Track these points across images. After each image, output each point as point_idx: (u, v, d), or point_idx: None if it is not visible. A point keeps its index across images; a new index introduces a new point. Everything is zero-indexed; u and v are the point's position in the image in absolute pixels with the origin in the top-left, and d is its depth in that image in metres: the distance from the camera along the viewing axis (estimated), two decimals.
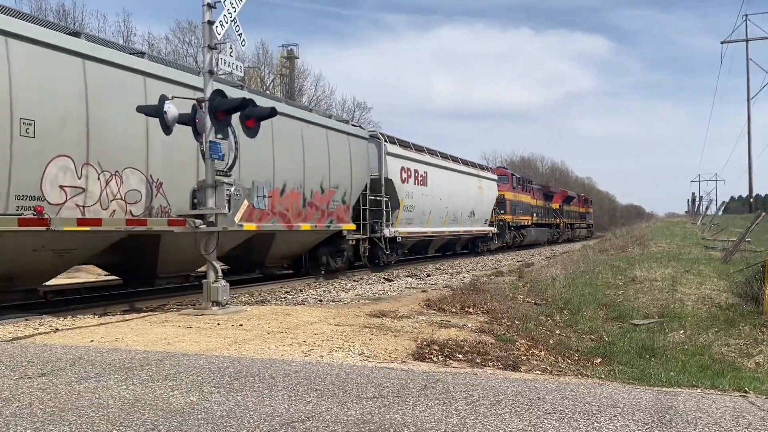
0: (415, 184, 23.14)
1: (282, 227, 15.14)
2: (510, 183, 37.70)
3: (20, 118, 9.08)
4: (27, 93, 9.11)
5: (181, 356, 6.05)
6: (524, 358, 7.36)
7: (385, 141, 21.23)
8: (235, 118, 10.45)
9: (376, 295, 13.26)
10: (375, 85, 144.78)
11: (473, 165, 31.30)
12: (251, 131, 10.31)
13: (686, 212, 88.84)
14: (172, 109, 9.42)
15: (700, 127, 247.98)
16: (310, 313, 9.34)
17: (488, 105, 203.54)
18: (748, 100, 60.77)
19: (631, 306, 11.83)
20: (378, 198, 20.39)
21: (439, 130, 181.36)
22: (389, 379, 5.17)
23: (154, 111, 9.57)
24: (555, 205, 51.16)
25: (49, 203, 9.55)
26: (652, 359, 8.43)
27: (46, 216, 9.32)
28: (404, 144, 23.10)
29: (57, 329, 7.95)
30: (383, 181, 20.66)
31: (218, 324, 8.24)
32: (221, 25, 9.78)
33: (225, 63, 10.05)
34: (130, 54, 11.30)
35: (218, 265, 9.92)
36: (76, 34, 10.46)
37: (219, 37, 9.85)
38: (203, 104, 9.73)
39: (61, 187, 9.76)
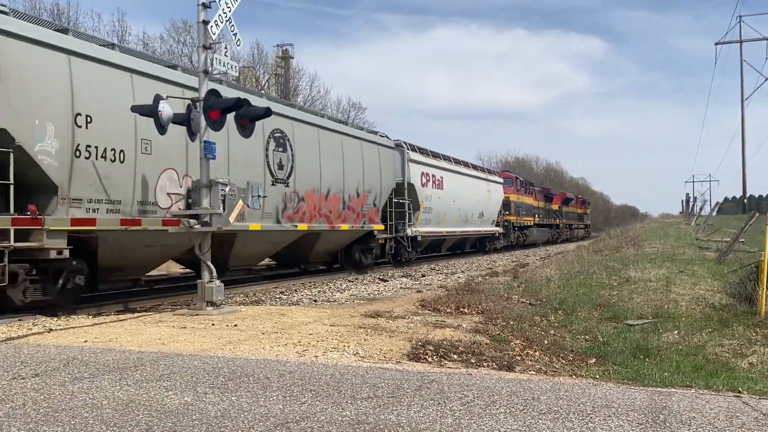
0: (432, 187, 25.25)
1: (326, 227, 17.41)
2: (514, 186, 39.84)
3: (141, 138, 11.03)
4: (146, 119, 10.23)
5: (176, 356, 6.04)
6: (519, 358, 7.37)
7: (408, 149, 23.32)
8: (295, 134, 13.00)
9: (371, 295, 13.26)
10: (371, 85, 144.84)
11: (482, 169, 33.83)
12: (246, 131, 10.31)
13: (680, 213, 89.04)
14: (166, 109, 9.42)
15: (694, 127, 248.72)
16: (305, 314, 9.33)
17: (484, 105, 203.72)
18: (742, 101, 60.97)
19: (626, 306, 11.85)
20: (401, 201, 22.44)
21: (435, 130, 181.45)
22: (384, 379, 5.17)
23: (149, 111, 9.56)
24: (555, 207, 53.13)
25: (161, 207, 11.57)
26: (647, 359, 8.45)
27: (40, 216, 9.35)
28: (423, 151, 25.32)
29: (51, 329, 7.93)
30: (406, 186, 22.78)
31: (213, 324, 8.23)
32: (216, 24, 9.76)
33: (220, 63, 10.05)
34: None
35: (212, 266, 9.90)
36: (173, 66, 12.73)
37: (214, 37, 9.84)
38: (198, 104, 9.72)
39: (168, 194, 11.75)
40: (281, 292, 14.21)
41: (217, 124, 9.88)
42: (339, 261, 20.13)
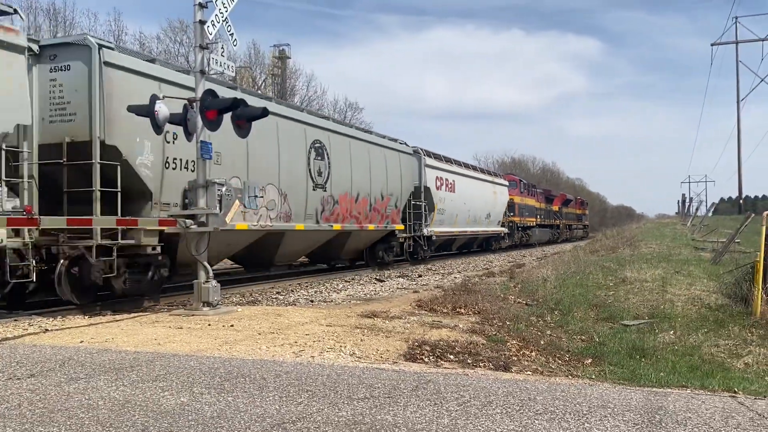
0: (445, 190, 27.21)
1: (356, 227, 19.28)
2: (518, 188, 41.70)
3: (216, 151, 12.06)
4: (218, 133, 11.28)
5: (172, 357, 6.03)
6: (515, 358, 7.38)
7: (424, 155, 25.24)
8: (331, 145, 14.99)
9: (368, 295, 13.26)
10: (369, 85, 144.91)
11: (488, 172, 36.04)
12: (242, 131, 10.31)
13: (676, 213, 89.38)
14: (162, 109, 9.41)
15: (690, 128, 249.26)
16: (302, 314, 9.33)
17: (481, 105, 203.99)
18: (738, 102, 61.12)
19: (622, 307, 11.87)
20: (418, 203, 24.27)
21: (432, 131, 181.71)
22: (380, 379, 5.17)
23: (145, 111, 9.55)
24: (555, 208, 54.83)
25: (231, 209, 12.71)
26: (643, 360, 8.46)
27: (36, 216, 9.36)
28: (437, 157, 27.30)
29: (46, 330, 7.91)
30: (423, 189, 24.63)
31: (209, 324, 8.22)
32: (213, 24, 9.76)
33: (216, 63, 10.04)
34: (259, 97, 15.50)
35: (209, 266, 9.89)
36: (233, 87, 14.39)
37: (210, 37, 9.83)
38: (194, 104, 9.71)
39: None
40: (278, 293, 14.20)
41: (213, 124, 9.86)
42: (364, 258, 21.98)
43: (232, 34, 10.21)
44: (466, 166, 31.71)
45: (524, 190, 43.69)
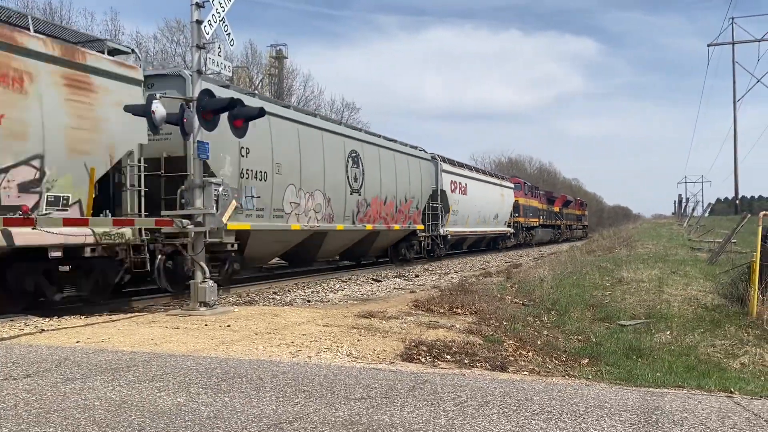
0: (459, 193, 29.58)
1: (384, 227, 21.63)
2: (523, 190, 44.00)
3: (276, 162, 15.33)
4: (280, 147, 15.35)
5: (169, 357, 6.02)
6: (512, 358, 7.38)
7: (440, 161, 27.65)
8: (364, 154, 18.64)
9: (365, 295, 13.26)
10: (367, 85, 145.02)
11: (495, 176, 38.75)
12: (239, 131, 10.30)
13: (673, 213, 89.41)
14: (159, 109, 9.39)
15: (687, 129, 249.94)
16: (298, 314, 9.32)
17: (479, 106, 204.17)
18: (734, 103, 61.20)
19: (618, 307, 11.88)
20: (435, 205, 26.61)
21: (431, 131, 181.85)
22: (377, 380, 5.17)
23: (142, 111, 9.54)
24: (556, 209, 57.03)
25: (285, 213, 15.80)
26: (639, 360, 8.48)
27: (32, 216, 9.32)
28: (452, 162, 29.91)
29: (43, 330, 7.90)
30: (439, 192, 27.00)
31: (206, 325, 8.21)
32: (210, 24, 9.74)
33: (213, 63, 10.03)
34: (307, 114, 18.12)
35: (205, 266, 9.88)
36: (286, 106, 17.32)
37: (207, 37, 9.81)
38: (191, 104, 9.70)
39: (290, 202, 15.97)
40: (274, 293, 14.19)
41: (210, 124, 9.86)
42: (388, 255, 24.37)
43: (229, 34, 10.20)
44: (477, 170, 34.60)
45: (528, 192, 45.90)
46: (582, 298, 12.84)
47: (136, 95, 11.15)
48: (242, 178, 14.01)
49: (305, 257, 18.76)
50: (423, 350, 6.80)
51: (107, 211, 10.78)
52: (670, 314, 10.99)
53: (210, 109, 9.69)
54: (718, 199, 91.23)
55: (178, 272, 12.11)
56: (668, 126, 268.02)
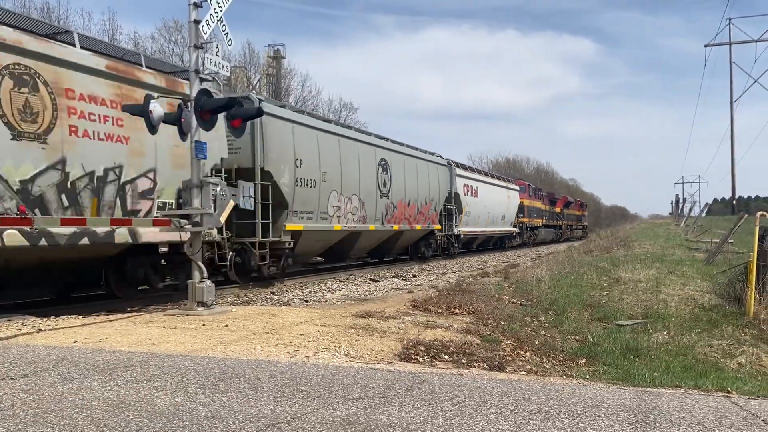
0: (470, 195, 32.03)
1: (408, 227, 24.18)
2: (527, 192, 46.40)
3: (322, 171, 17.68)
4: (325, 158, 17.84)
5: (166, 357, 6.02)
6: (510, 358, 7.39)
7: (455, 166, 30.12)
8: (392, 161, 21.94)
9: (362, 295, 13.25)
10: (364, 85, 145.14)
11: (502, 178, 41.10)
12: (237, 131, 10.29)
13: (670, 213, 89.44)
14: (157, 109, 9.40)
15: (684, 129, 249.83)
16: (296, 314, 9.32)
17: (476, 106, 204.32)
18: (731, 103, 61.24)
19: (616, 307, 11.89)
20: (450, 207, 28.91)
21: (428, 131, 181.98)
22: (375, 379, 5.17)
23: (140, 111, 9.54)
24: (558, 209, 59.32)
25: (329, 215, 18.09)
26: (637, 360, 8.48)
27: (30, 216, 9.33)
28: (464, 167, 32.96)
29: (40, 329, 7.88)
30: (453, 195, 29.29)
31: (203, 325, 8.20)
32: (207, 24, 9.74)
33: (211, 62, 10.02)
34: (345, 127, 20.75)
35: (203, 266, 9.87)
36: (328, 121, 20.01)
37: (205, 37, 9.81)
38: (189, 104, 9.69)
39: (333, 206, 18.30)
40: (272, 293, 14.18)
41: (208, 124, 9.85)
42: (409, 253, 26.87)
43: (227, 34, 10.19)
44: (486, 173, 37.61)
45: (532, 194, 48.26)
46: (579, 298, 12.84)
47: (218, 119, 12.27)
48: (297, 185, 16.45)
49: (341, 254, 21.00)
50: (421, 350, 6.80)
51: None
52: (667, 314, 11.00)
53: (208, 109, 9.68)
54: (715, 199, 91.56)
55: (245, 266, 14.89)
56: (665, 126, 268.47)
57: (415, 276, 19.01)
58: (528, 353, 7.97)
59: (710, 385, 6.35)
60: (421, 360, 6.45)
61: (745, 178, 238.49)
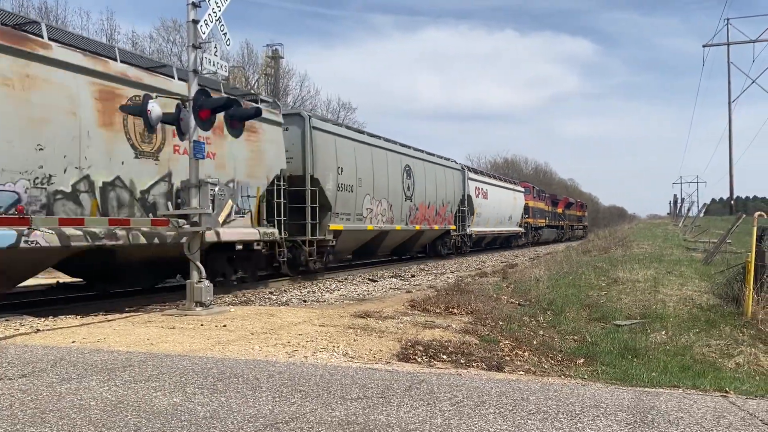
0: (481, 198, 34.20)
1: (427, 227, 26.30)
2: (531, 194, 48.31)
3: (358, 177, 19.80)
4: (360, 165, 20.04)
5: (164, 357, 6.01)
6: (508, 358, 7.39)
7: (468, 171, 32.70)
8: (415, 167, 24.38)
9: (361, 295, 13.25)
10: (362, 85, 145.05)
11: (509, 181, 43.18)
12: (236, 131, 10.29)
13: (668, 214, 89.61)
14: (155, 108, 9.39)
15: (682, 129, 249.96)
16: (295, 314, 9.31)
17: (474, 106, 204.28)
18: (729, 103, 61.23)
19: (614, 307, 11.90)
20: (463, 208, 31.05)
21: (427, 131, 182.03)
22: (374, 379, 5.17)
23: (138, 111, 9.53)
24: (559, 210, 61.29)
25: (363, 216, 20.15)
26: (635, 360, 8.50)
27: (27, 216, 9.33)
28: (475, 171, 35.96)
29: (38, 330, 7.87)
30: (466, 197, 31.42)
31: (202, 325, 8.20)
32: (206, 24, 9.73)
33: (209, 62, 10.02)
34: (375, 137, 22.43)
35: (201, 266, 9.86)
36: (361, 132, 21.98)
37: (203, 36, 9.80)
38: (187, 104, 9.69)
39: (366, 208, 20.46)
40: (270, 293, 14.17)
41: (206, 124, 9.84)
42: (426, 251, 29.03)
43: (225, 34, 10.18)
44: (494, 176, 39.98)
45: (536, 195, 50.39)
46: (578, 298, 12.86)
47: (279, 133, 15.80)
48: (338, 190, 18.60)
49: (370, 252, 23.34)
50: (419, 350, 6.80)
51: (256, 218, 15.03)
52: (665, 314, 11.02)
53: (206, 109, 9.67)
54: (713, 200, 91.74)
55: (296, 262, 17.03)
56: (664, 126, 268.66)
57: (413, 276, 19.01)
58: (526, 353, 7.97)
59: (708, 385, 6.36)
60: (419, 360, 6.45)
61: (743, 179, 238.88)
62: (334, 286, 15.67)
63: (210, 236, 12.39)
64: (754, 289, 10.55)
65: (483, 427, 3.93)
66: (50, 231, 9.57)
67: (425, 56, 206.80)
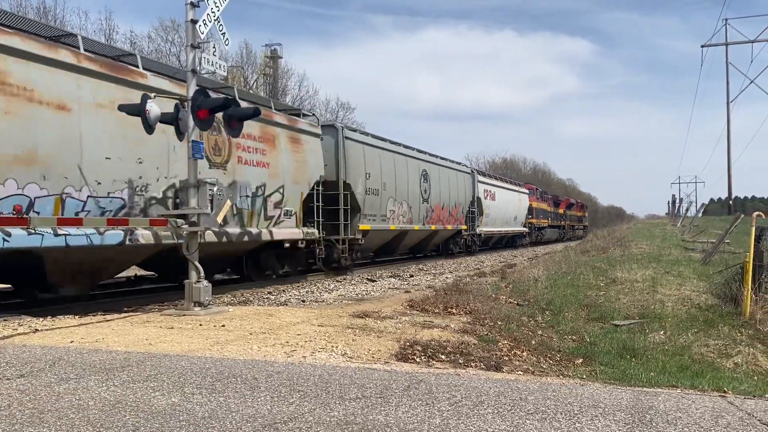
0: (489, 199, 36.15)
1: (441, 227, 28.31)
2: (535, 195, 50.52)
3: (383, 182, 21.67)
4: (385, 171, 22.00)
5: (163, 357, 6.01)
6: (506, 358, 7.40)
7: (478, 174, 34.85)
8: (431, 172, 26.38)
9: (359, 295, 13.25)
10: (362, 85, 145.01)
11: (515, 183, 45.19)
12: (234, 131, 10.29)
13: (666, 214, 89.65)
14: (154, 108, 9.38)
15: (681, 129, 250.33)
16: (293, 314, 9.31)
17: (473, 106, 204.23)
18: (728, 103, 61.28)
19: (612, 307, 11.92)
20: (473, 209, 33.10)
21: (426, 131, 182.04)
22: (372, 379, 5.17)
23: (136, 110, 9.52)
24: (561, 211, 63.33)
25: (387, 217, 22.09)
26: (633, 360, 8.50)
27: (25, 216, 9.33)
28: (484, 174, 38.18)
29: (36, 330, 7.87)
30: (475, 199, 33.39)
31: (200, 325, 8.20)
32: (204, 24, 9.73)
33: (208, 62, 10.01)
34: (396, 144, 24.10)
35: (199, 266, 9.86)
36: (384, 140, 22.85)
37: (202, 36, 9.80)
38: (186, 104, 9.68)
39: (390, 210, 22.32)
40: (269, 293, 14.17)
41: (205, 124, 9.84)
42: (440, 250, 31.00)
43: (224, 33, 10.18)
44: (501, 179, 42.35)
45: (539, 197, 52.54)
46: (576, 298, 12.87)
47: (318, 144, 17.76)
48: (366, 194, 20.41)
49: (390, 249, 25.24)
50: (418, 350, 6.80)
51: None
52: (663, 314, 11.03)
53: (205, 108, 9.66)
54: (712, 200, 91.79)
55: (330, 258, 18.74)
56: (662, 126, 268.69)
57: (412, 276, 19.00)
58: (525, 353, 7.98)
59: (706, 384, 6.37)
60: (418, 360, 6.46)
61: (741, 179, 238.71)
62: (333, 286, 15.67)
63: (265, 236, 14.97)
64: (752, 289, 10.56)
65: (481, 427, 3.93)
66: (146, 231, 11.22)
67: (424, 56, 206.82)
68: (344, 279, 17.85)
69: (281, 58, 47.83)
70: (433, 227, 26.88)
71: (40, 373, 5.33)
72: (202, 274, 9.80)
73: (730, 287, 11.66)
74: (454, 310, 10.16)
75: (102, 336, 7.30)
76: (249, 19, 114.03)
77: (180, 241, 11.21)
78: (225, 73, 11.18)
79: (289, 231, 16.07)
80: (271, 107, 15.94)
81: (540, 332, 9.85)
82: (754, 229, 11.08)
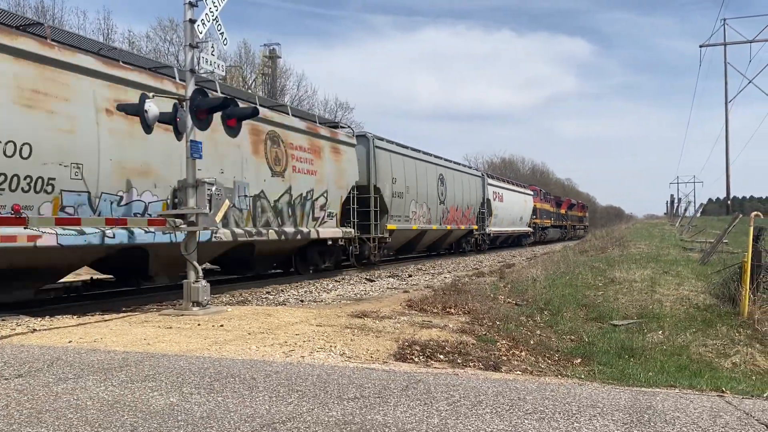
0: (497, 201, 38.46)
1: (456, 227, 30.58)
2: (539, 196, 52.64)
3: (406, 185, 23.96)
4: (408, 175, 24.32)
5: (161, 357, 6.01)
6: (505, 358, 7.40)
7: (488, 177, 37.15)
8: (446, 175, 29.17)
9: (358, 295, 13.25)
10: (361, 85, 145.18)
11: (520, 185, 47.88)
12: (233, 131, 10.27)
13: (665, 214, 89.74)
14: (152, 108, 9.38)
15: (679, 129, 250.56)
16: (292, 314, 9.31)
17: (472, 106, 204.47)
18: (726, 103, 61.39)
19: (611, 307, 11.92)
20: (483, 210, 35.38)
21: (424, 131, 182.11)
22: (370, 379, 5.17)
23: (135, 110, 9.52)
24: (563, 211, 65.49)
25: (409, 218, 24.28)
26: (631, 359, 8.51)
27: (24, 215, 9.33)
28: (493, 177, 40.41)
29: (35, 329, 7.86)
30: (485, 201, 35.62)
31: (198, 324, 8.19)
32: (203, 23, 9.72)
33: (206, 62, 10.00)
34: (417, 150, 26.46)
35: (198, 266, 9.85)
36: (405, 147, 25.04)
37: (201, 36, 9.79)
38: (184, 103, 9.67)
39: (412, 211, 24.50)
40: (268, 293, 14.16)
41: (203, 124, 9.83)
42: (453, 248, 33.29)
43: (222, 33, 10.18)
44: (508, 181, 44.98)
45: (542, 197, 54.63)
46: (574, 298, 12.87)
47: (353, 154, 20.03)
48: (393, 197, 22.61)
49: (410, 248, 27.25)
50: (416, 350, 6.80)
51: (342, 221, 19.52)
52: (662, 314, 11.03)
53: (204, 108, 9.66)
54: (710, 200, 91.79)
55: (361, 255, 21.13)
56: (661, 126, 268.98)
57: (410, 276, 19.00)
58: (523, 353, 7.98)
59: (705, 384, 6.37)
60: (416, 360, 6.45)
61: (739, 179, 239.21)
62: (331, 285, 15.66)
63: (313, 234, 17.37)
64: (750, 289, 10.57)
65: (480, 426, 3.93)
66: (225, 230, 13.33)
67: (424, 56, 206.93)
68: (343, 279, 17.84)
69: (280, 57, 47.85)
70: (448, 227, 29.22)
71: (38, 373, 5.32)
72: (201, 274, 9.79)
73: (728, 287, 11.67)
74: (452, 310, 10.15)
75: (100, 336, 7.29)
76: (248, 18, 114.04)
77: (253, 239, 14.08)
78: (223, 73, 11.17)
79: (331, 230, 18.46)
80: (315, 122, 18.45)
81: (538, 332, 9.85)
82: (752, 228, 11.08)
